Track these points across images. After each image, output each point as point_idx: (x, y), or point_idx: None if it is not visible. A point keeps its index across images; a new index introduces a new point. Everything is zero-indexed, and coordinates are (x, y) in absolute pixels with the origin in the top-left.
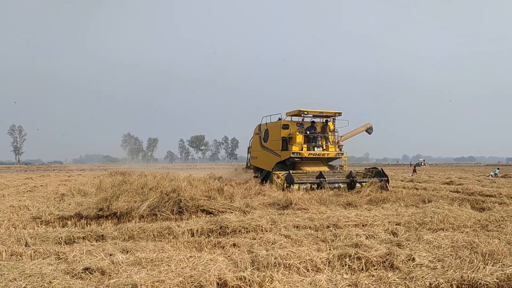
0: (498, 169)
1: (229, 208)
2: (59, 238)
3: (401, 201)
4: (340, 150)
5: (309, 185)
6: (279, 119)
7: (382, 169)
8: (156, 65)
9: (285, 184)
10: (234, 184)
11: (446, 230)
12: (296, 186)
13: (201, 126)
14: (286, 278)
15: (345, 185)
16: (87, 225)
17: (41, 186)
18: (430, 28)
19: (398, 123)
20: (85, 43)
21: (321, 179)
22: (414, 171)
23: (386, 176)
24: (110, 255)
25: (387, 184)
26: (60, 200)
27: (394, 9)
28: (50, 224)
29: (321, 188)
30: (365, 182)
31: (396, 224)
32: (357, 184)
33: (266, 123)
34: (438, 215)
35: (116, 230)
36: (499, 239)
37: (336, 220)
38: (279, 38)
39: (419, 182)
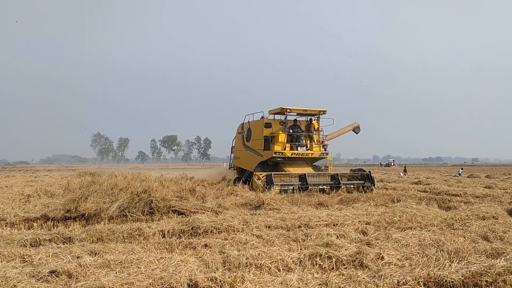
0: (461, 169)
1: (201, 209)
2: (24, 241)
3: (371, 201)
4: (325, 150)
5: (278, 188)
6: (262, 117)
7: (370, 172)
8: (128, 63)
9: (265, 186)
10: (206, 184)
11: (414, 229)
12: (277, 189)
13: (173, 126)
14: (258, 278)
15: (328, 187)
16: (53, 227)
17: (6, 187)
18: (405, 34)
19: (368, 124)
20: (53, 38)
21: (294, 184)
22: (405, 171)
23: (372, 179)
24: (78, 257)
25: (373, 186)
26: (25, 202)
27: (368, 15)
28: (15, 226)
29: (302, 191)
30: (351, 184)
31: (366, 224)
32: (342, 187)
33: (248, 122)
34: (406, 214)
35: (84, 232)
36: (464, 237)
37: (307, 220)
38: (257, 38)
39: (389, 182)
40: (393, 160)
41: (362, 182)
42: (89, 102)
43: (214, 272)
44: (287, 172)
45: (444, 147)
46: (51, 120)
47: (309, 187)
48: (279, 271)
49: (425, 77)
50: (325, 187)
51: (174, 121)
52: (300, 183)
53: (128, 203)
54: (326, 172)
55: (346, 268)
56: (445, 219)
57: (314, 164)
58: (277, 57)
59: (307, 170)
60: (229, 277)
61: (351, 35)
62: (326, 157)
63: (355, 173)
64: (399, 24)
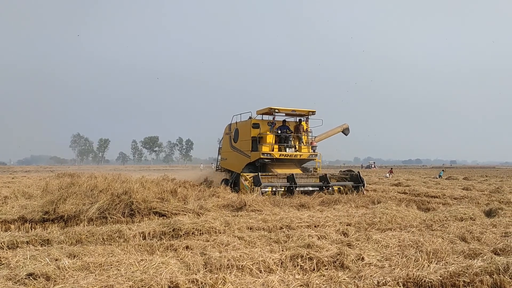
0: (443, 170)
1: (183, 210)
2: (1, 243)
3: (352, 202)
4: (314, 151)
5: (269, 189)
6: (250, 117)
7: (359, 172)
8: (110, 62)
9: (252, 187)
10: (188, 186)
11: (393, 230)
12: (269, 189)
13: (155, 126)
14: (239, 279)
15: (317, 189)
16: (31, 229)
17: None
18: (384, 31)
19: (350, 126)
20: (29, 33)
21: (281, 184)
22: (391, 172)
23: (362, 180)
24: (56, 260)
25: (362, 188)
26: (2, 203)
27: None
28: None
29: (292, 193)
30: (340, 185)
31: (347, 225)
32: (331, 188)
33: (236, 122)
34: (386, 216)
35: (63, 234)
36: (442, 238)
37: (289, 221)
38: (246, 36)
39: (369, 184)
40: (374, 162)
41: (352, 182)
42: (69, 101)
43: (195, 274)
44: (275, 173)
45: (423, 149)
46: (29, 120)
47: (297, 188)
48: (260, 272)
49: (406, 78)
50: (314, 188)
51: (155, 122)
52: (289, 184)
53: (108, 205)
54: (314, 173)
55: (327, 269)
56: (424, 220)
57: (302, 165)
58: (266, 55)
59: (295, 171)
60: (210, 279)
61: (341, 33)
62: (315, 159)
63: (343, 174)
64: (375, 21)
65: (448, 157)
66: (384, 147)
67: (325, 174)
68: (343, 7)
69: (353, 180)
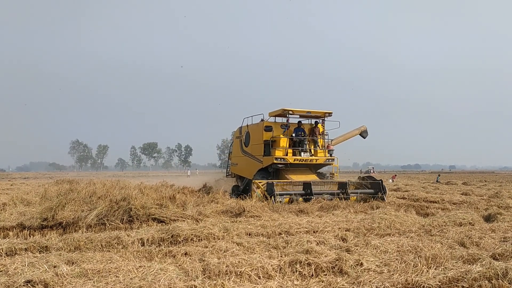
0: (439, 175)
1: (181, 216)
2: None
3: (351, 208)
4: (331, 155)
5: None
6: (262, 120)
7: (381, 180)
8: (108, 66)
9: (265, 195)
10: (187, 191)
11: (392, 235)
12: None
13: (153, 132)
14: (238, 286)
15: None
16: (30, 236)
17: None
18: (383, 31)
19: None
20: (28, 32)
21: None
22: (394, 177)
23: (383, 186)
24: (54, 267)
25: (384, 195)
26: (1, 210)
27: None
28: None
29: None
30: (361, 193)
31: (345, 230)
32: (351, 196)
33: (247, 125)
34: (385, 221)
35: (61, 241)
36: (441, 244)
37: (288, 227)
38: (248, 37)
39: None
40: (373, 167)
41: (372, 191)
42: (68, 108)
43: (194, 280)
44: (290, 180)
45: (422, 154)
46: (28, 126)
47: (314, 197)
48: (259, 278)
49: (405, 82)
50: (332, 196)
51: (154, 128)
52: (304, 192)
53: (107, 211)
54: (332, 179)
55: (326, 275)
56: (423, 226)
57: (318, 171)
58: (269, 57)
59: (311, 177)
60: (208, 285)
61: (336, 31)
62: (332, 164)
63: (363, 180)
64: (373, 21)
65: (447, 162)
66: (383, 152)
67: (344, 181)
68: (350, 11)
69: (373, 187)
